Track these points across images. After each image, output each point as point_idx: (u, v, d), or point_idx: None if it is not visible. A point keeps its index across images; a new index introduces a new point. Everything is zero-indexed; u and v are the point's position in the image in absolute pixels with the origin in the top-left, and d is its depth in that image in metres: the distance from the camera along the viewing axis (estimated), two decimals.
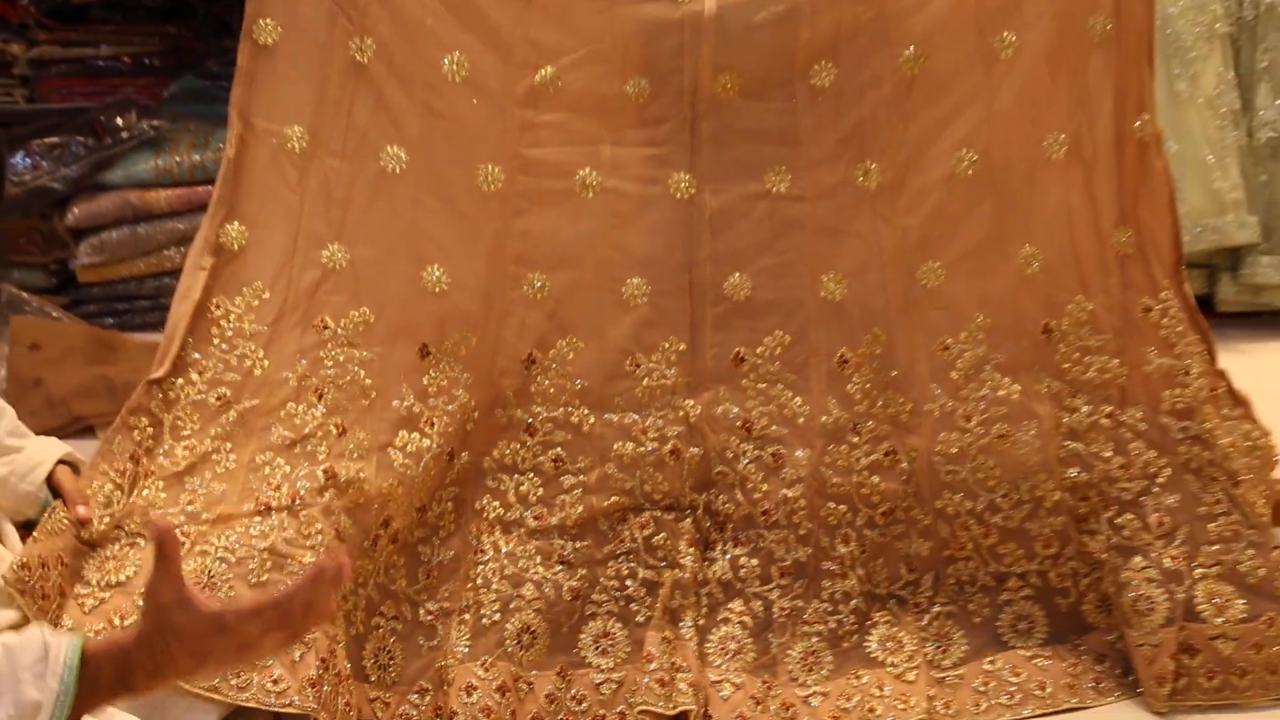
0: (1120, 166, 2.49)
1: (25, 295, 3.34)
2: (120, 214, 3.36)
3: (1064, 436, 2.46)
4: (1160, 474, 2.43)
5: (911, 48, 2.46)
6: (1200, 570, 2.37)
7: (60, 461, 2.18)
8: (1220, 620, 2.34)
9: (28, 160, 3.37)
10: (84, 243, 3.38)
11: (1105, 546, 2.42)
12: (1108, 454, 2.44)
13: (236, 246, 2.35)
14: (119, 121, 3.40)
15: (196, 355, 2.31)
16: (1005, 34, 2.46)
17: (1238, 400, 2.53)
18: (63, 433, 2.83)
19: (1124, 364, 2.47)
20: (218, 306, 2.33)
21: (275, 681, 2.02)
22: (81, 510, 2.13)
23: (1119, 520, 2.42)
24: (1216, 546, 2.39)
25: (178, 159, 3.35)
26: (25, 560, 2.00)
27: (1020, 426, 2.45)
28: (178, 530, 2.15)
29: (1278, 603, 2.35)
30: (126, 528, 2.17)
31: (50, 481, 2.16)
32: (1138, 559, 2.39)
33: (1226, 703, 2.33)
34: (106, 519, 2.16)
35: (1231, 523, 2.40)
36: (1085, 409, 2.46)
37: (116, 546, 2.16)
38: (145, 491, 2.21)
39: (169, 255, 3.33)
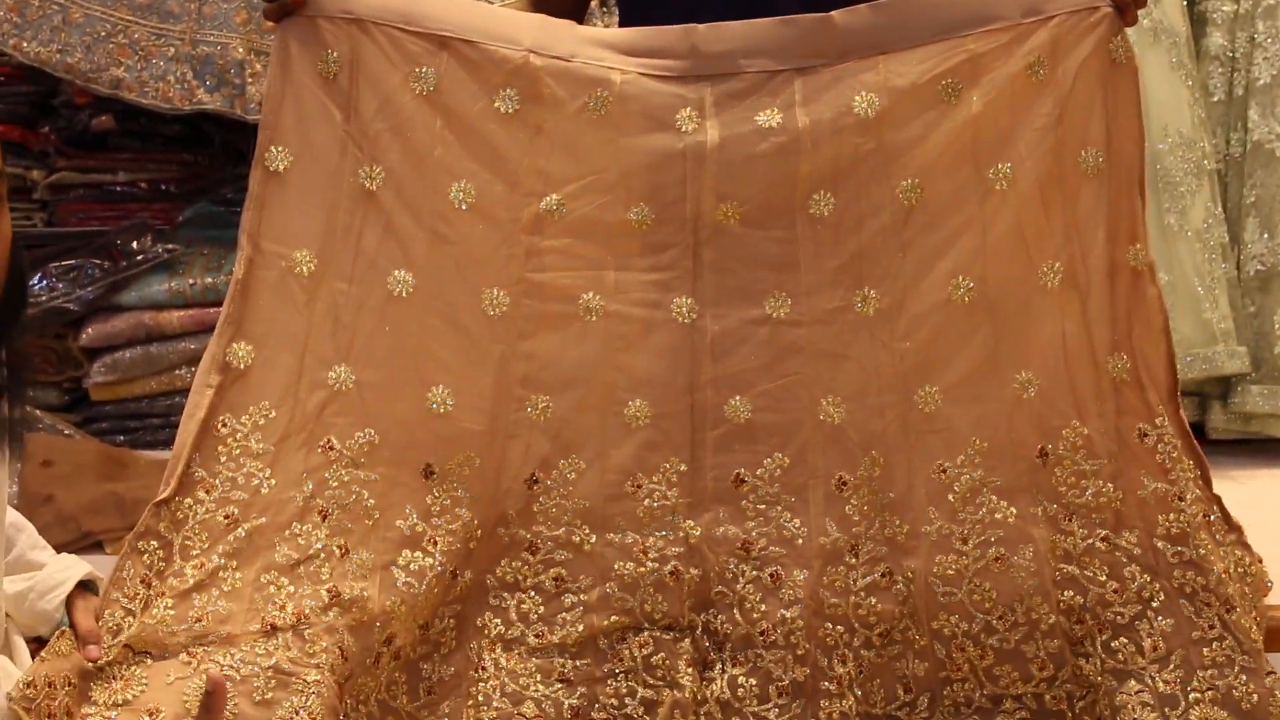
0: (1114, 294, 2.48)
1: (38, 413, 3.34)
2: (133, 334, 3.36)
3: (1059, 560, 2.43)
4: (1155, 598, 2.40)
5: (909, 179, 2.46)
6: (1195, 695, 2.34)
7: (80, 582, 2.17)
8: None
9: (44, 282, 3.38)
10: (97, 362, 3.38)
11: (1100, 670, 2.38)
12: (1103, 578, 2.41)
13: (243, 365, 2.34)
14: (134, 245, 3.41)
15: (203, 473, 2.29)
16: (1000, 166, 2.46)
17: (1231, 527, 2.50)
18: (72, 548, 2.81)
19: (1119, 488, 2.45)
20: (224, 425, 2.31)
21: None
22: (92, 650, 2.11)
23: (1114, 644, 2.39)
24: (1211, 671, 2.35)
25: (191, 281, 3.37)
26: (32, 679, 1.98)
27: (1016, 550, 2.42)
28: (184, 652, 2.15)
29: None
30: (135, 647, 2.15)
31: (69, 603, 2.15)
32: (1132, 683, 2.36)
33: None
34: (116, 647, 2.14)
35: (1225, 648, 2.37)
36: (1081, 532, 2.43)
37: (124, 667, 2.13)
38: (156, 610, 2.18)
39: (180, 374, 3.33)
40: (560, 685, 2.36)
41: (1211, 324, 3.34)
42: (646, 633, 2.40)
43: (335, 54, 2.41)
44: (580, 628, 2.39)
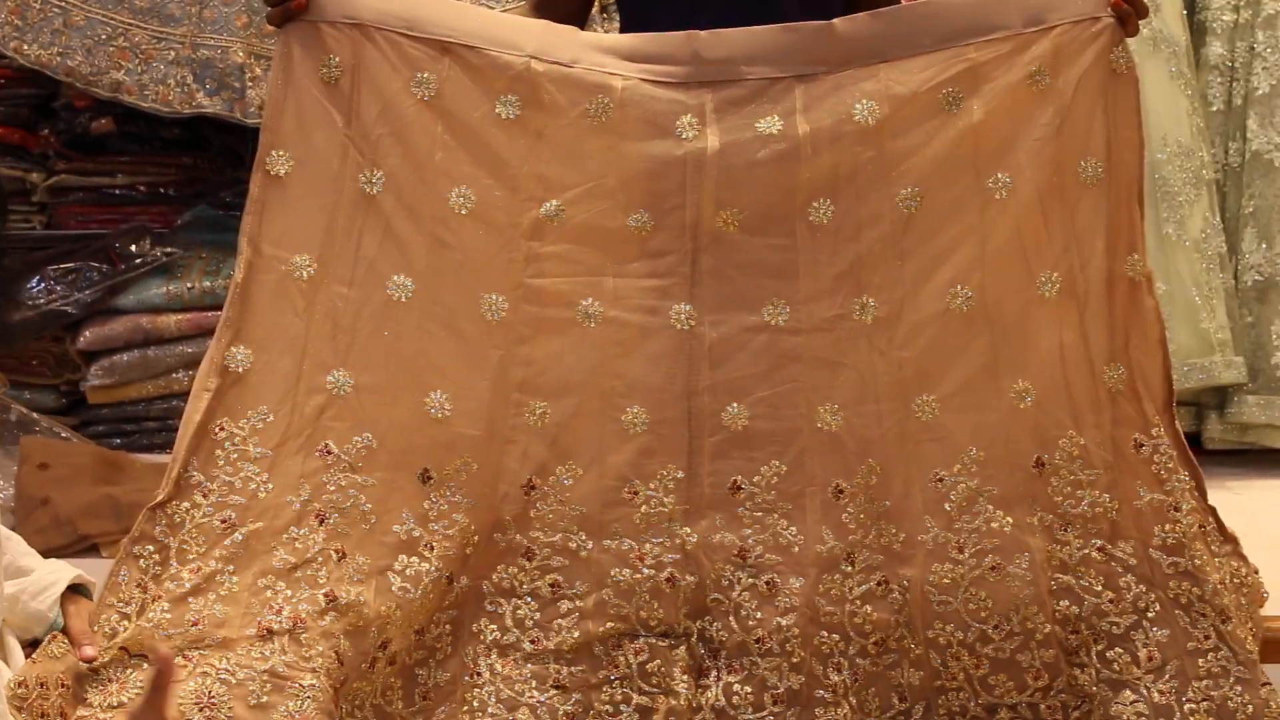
0: (1111, 305, 2.48)
1: (35, 415, 3.34)
2: (131, 338, 3.36)
3: (1055, 569, 2.43)
4: (1150, 609, 2.41)
5: (909, 187, 2.47)
6: (1190, 705, 2.34)
7: (71, 586, 2.17)
8: None
9: (42, 284, 3.37)
10: (94, 365, 3.38)
11: (1095, 680, 2.39)
12: (1098, 588, 2.42)
13: (242, 369, 2.34)
14: (133, 248, 3.41)
15: (200, 477, 2.29)
16: (1000, 175, 2.46)
17: (1226, 537, 2.51)
18: (68, 551, 2.82)
19: (1115, 499, 2.45)
20: (221, 429, 2.32)
21: None
22: (88, 651, 2.11)
23: (1109, 654, 2.39)
24: (1206, 682, 2.36)
25: (189, 285, 3.36)
26: (23, 679, 1.98)
27: (1012, 559, 2.43)
28: (180, 656, 2.13)
29: None
30: (130, 650, 2.15)
31: (61, 606, 2.16)
32: (1127, 693, 2.37)
33: None
34: (112, 650, 2.14)
35: (1221, 659, 2.38)
36: (1076, 542, 2.44)
37: (119, 670, 2.13)
38: (152, 614, 2.19)
39: (177, 378, 3.33)
40: (555, 691, 2.36)
41: (1209, 334, 3.34)
42: (642, 639, 2.40)
43: (337, 59, 2.42)
44: (576, 634, 2.39)
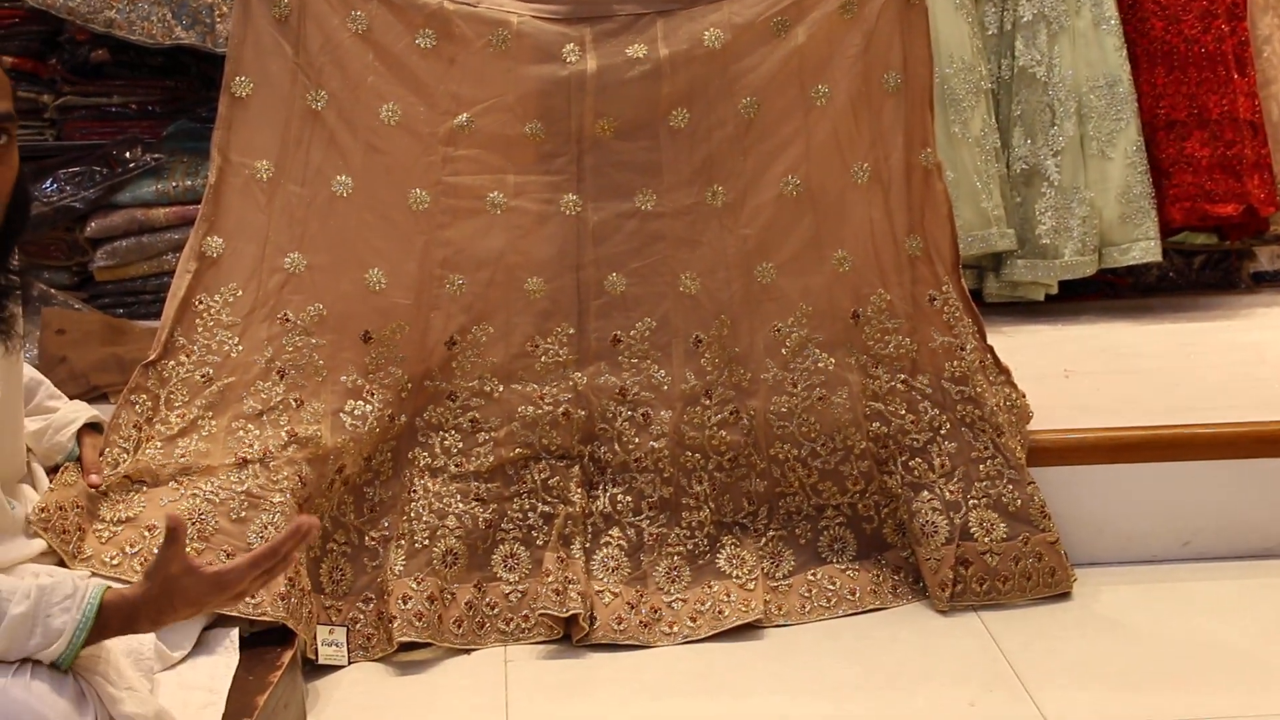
0: (909, 189, 2.49)
1: (53, 291, 3.27)
2: (128, 227, 3.28)
3: (868, 399, 2.45)
4: (942, 427, 2.44)
5: (748, 97, 2.45)
6: (973, 501, 2.40)
7: (86, 423, 2.14)
8: (988, 539, 2.37)
9: (54, 185, 3.29)
10: (99, 250, 3.29)
11: (900, 484, 2.42)
12: (902, 412, 2.45)
13: (216, 255, 2.32)
14: (127, 155, 3.33)
15: (184, 341, 2.28)
16: (820, 86, 2.45)
17: (1001, 369, 2.55)
18: (82, 399, 2.76)
19: (914, 342, 2.47)
20: (200, 302, 2.30)
21: (251, 596, 1.97)
22: (94, 478, 2.09)
23: (911, 463, 2.43)
24: (985, 483, 2.41)
25: (174, 184, 3.29)
26: (44, 505, 1.96)
27: (835, 391, 2.45)
28: (173, 481, 2.15)
29: (1030, 525, 2.39)
30: (132, 477, 2.15)
31: (78, 439, 2.12)
32: (925, 493, 2.41)
33: (992, 603, 2.37)
34: (115, 477, 2.13)
35: (996, 464, 2.42)
36: (885, 377, 2.46)
37: (124, 493, 2.13)
38: (147, 451, 2.18)
39: (167, 260, 3.25)
40: (476, 503, 2.36)
41: (987, 212, 3.35)
42: (544, 461, 2.40)
43: (287, 1, 2.36)
44: (491, 458, 2.39)
